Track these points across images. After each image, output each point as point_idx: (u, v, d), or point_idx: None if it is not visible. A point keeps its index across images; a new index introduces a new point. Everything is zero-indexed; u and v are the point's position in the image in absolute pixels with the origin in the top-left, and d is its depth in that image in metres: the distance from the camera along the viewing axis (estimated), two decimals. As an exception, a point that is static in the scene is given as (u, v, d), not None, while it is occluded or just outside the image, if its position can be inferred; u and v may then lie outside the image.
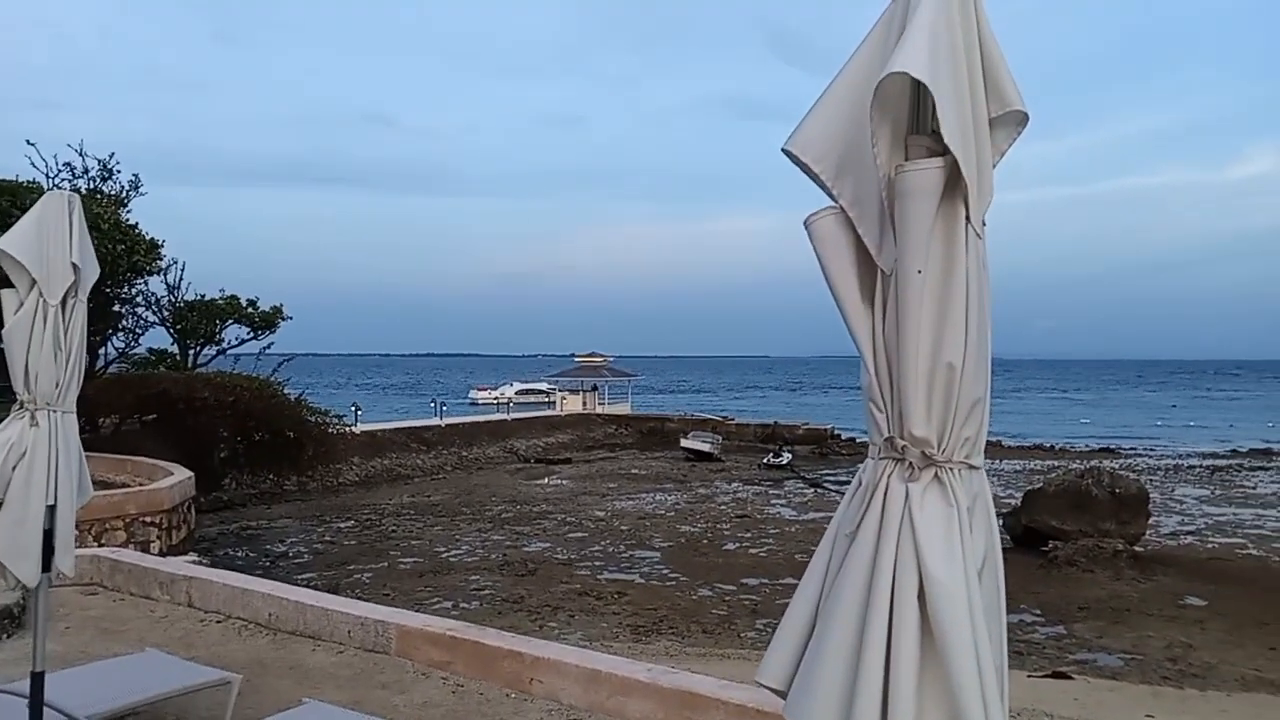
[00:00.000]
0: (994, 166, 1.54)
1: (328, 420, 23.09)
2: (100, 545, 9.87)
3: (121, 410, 19.35)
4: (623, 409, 47.50)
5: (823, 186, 1.61)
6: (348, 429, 26.24)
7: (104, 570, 7.75)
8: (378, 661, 5.82)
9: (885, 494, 1.55)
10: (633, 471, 33.41)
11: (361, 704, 5.01)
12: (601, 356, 50.33)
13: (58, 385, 3.95)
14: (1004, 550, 1.67)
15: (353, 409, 30.10)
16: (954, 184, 1.48)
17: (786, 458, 35.28)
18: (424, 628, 5.80)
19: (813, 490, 29.14)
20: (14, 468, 3.80)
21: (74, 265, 4.01)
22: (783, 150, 1.62)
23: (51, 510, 3.82)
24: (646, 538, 20.95)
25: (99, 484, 15.37)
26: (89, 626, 6.75)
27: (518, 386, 62.20)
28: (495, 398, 58.03)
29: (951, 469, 1.53)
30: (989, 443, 1.75)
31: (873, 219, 1.57)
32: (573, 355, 52.70)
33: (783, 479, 31.72)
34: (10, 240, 3.99)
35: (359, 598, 15.52)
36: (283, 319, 23.59)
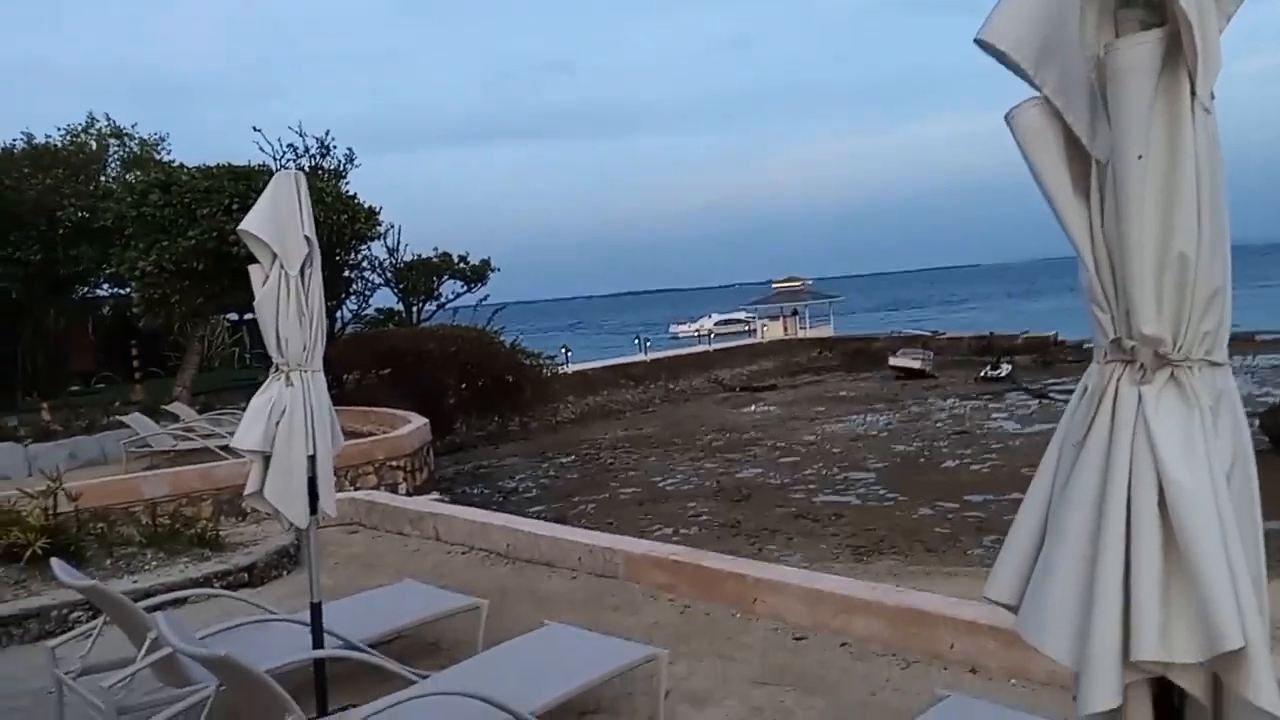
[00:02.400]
0: (1220, 32, 1.38)
1: (541, 363, 24.19)
2: (356, 489, 10.92)
3: (360, 367, 21.11)
4: (825, 332, 46.65)
5: (1023, 75, 1.50)
6: (560, 370, 27.39)
7: (361, 511, 8.58)
8: (608, 586, 6.14)
9: (1115, 399, 1.45)
10: (840, 394, 32.91)
11: (596, 625, 5.33)
12: (800, 281, 49.50)
13: (305, 348, 4.36)
14: (1261, 452, 1.53)
15: (563, 350, 31.33)
16: (1174, 57, 1.34)
17: (1006, 369, 33.50)
18: (648, 553, 6.04)
19: (1037, 401, 27.60)
20: (277, 424, 4.27)
21: (306, 238, 4.39)
22: (975, 41, 1.51)
23: (312, 460, 4.26)
24: (860, 459, 20.68)
25: (349, 434, 16.89)
26: (353, 561, 7.52)
27: (716, 317, 62.39)
28: (695, 330, 58.59)
29: (1190, 367, 1.41)
30: (1238, 337, 1.60)
31: (1081, 105, 1.45)
32: (769, 282, 52.15)
33: (1003, 391, 30.22)
34: (251, 220, 4.41)
35: (585, 526, 16.41)
36: (491, 270, 24.78)
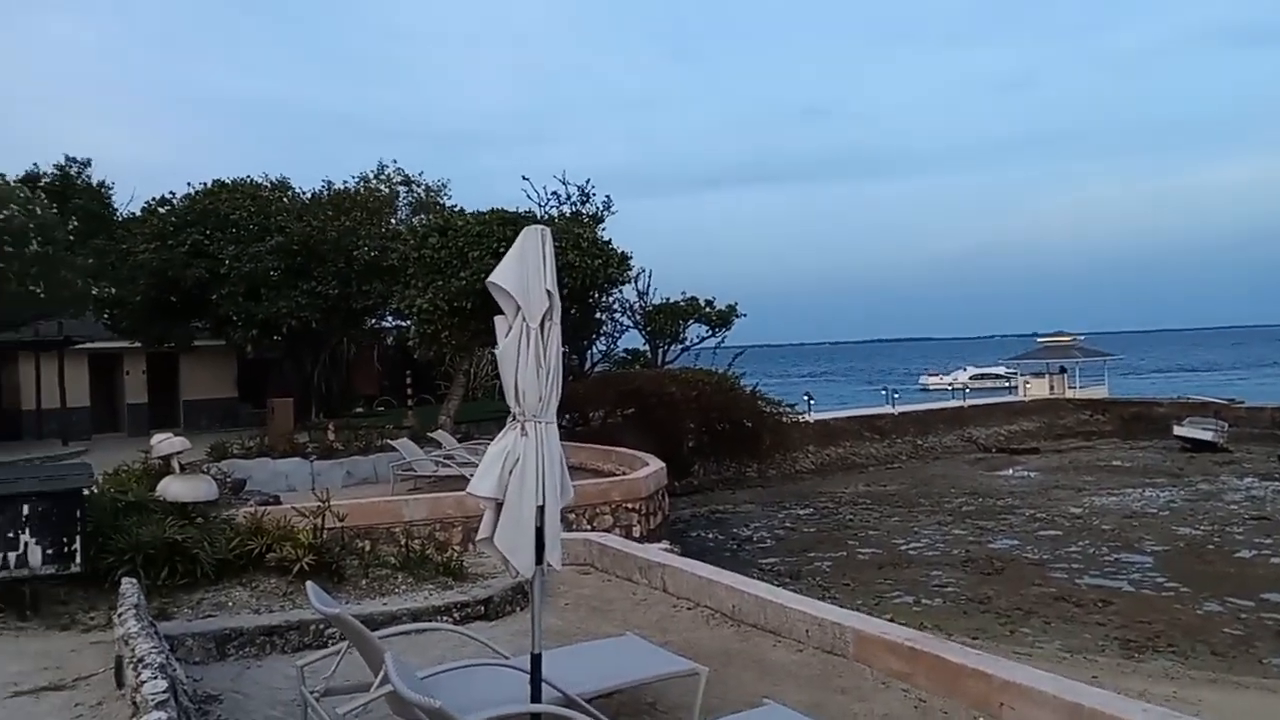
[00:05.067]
0: None
1: (782, 410, 23.88)
2: (592, 528, 11.15)
3: (605, 405, 21.81)
4: (1098, 392, 42.72)
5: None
6: (801, 418, 26.90)
7: (594, 553, 8.70)
8: (835, 664, 5.76)
9: None
10: (1113, 463, 29.92)
11: (821, 708, 4.98)
12: (1069, 336, 45.77)
13: (540, 399, 4.43)
14: None
15: (805, 398, 30.79)
16: None
17: (1320, 446, 29.09)
18: (882, 635, 5.61)
19: (1361, 487, 23.68)
20: (510, 472, 4.35)
21: (548, 292, 4.48)
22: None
23: (540, 510, 4.30)
24: (1134, 539, 18.58)
25: (590, 471, 17.50)
26: (582, 604, 7.59)
27: (972, 371, 59.03)
28: (948, 383, 55.69)
29: None
30: None
31: None
32: (1034, 335, 48.65)
33: (1315, 473, 26.20)
34: (499, 273, 4.56)
35: (820, 585, 15.83)
36: (737, 316, 24.89)
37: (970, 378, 54.35)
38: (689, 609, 7.20)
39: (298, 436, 18.16)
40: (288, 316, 23.30)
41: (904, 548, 18.66)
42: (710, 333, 24.84)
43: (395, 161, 32.77)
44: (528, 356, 4.43)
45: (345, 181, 29.80)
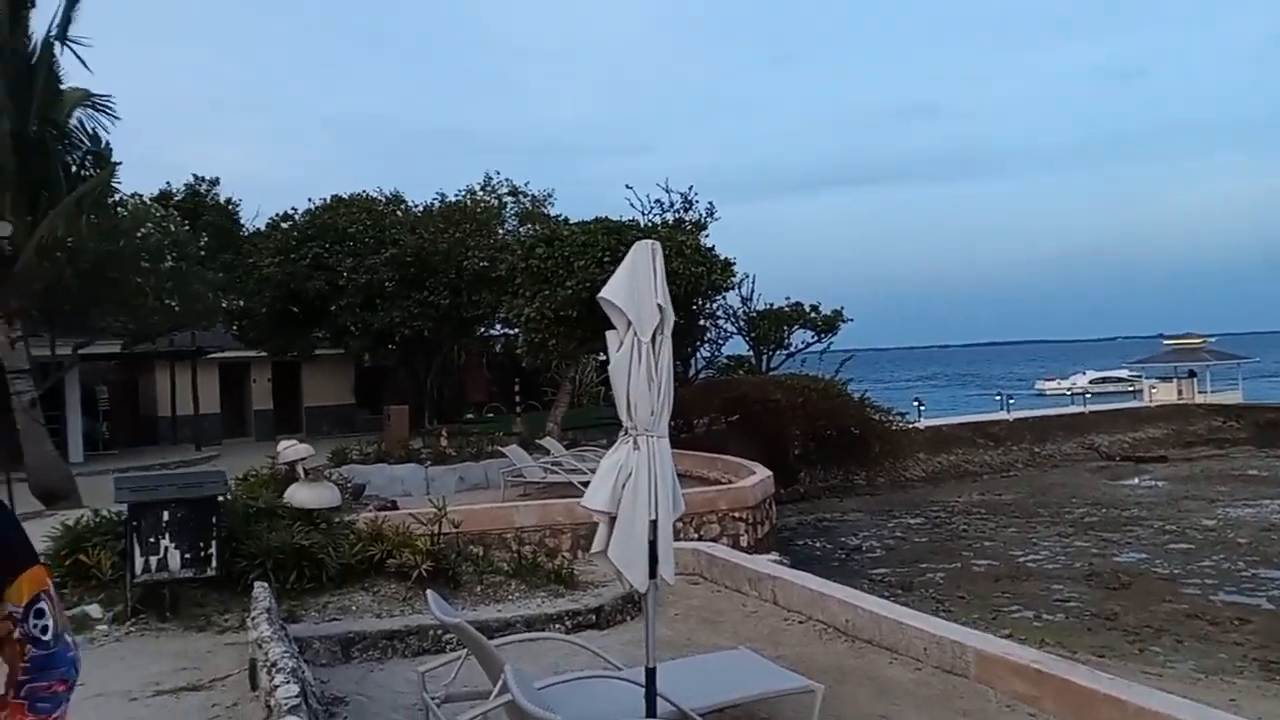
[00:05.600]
0: None
1: (890, 418, 23.36)
2: (699, 537, 11.13)
3: (709, 412, 21.76)
4: (1231, 397, 40.29)
5: None
6: (911, 425, 26.25)
7: (703, 563, 8.68)
8: (956, 685, 5.59)
9: None
10: (1249, 472, 28.16)
11: (940, 730, 4.85)
12: (1199, 337, 43.32)
13: (652, 413, 4.45)
14: None
15: (914, 404, 30.03)
16: None
17: None
18: (1005, 655, 5.42)
19: None
20: (623, 486, 4.38)
21: (659, 306, 4.50)
22: None
23: (653, 524, 4.32)
24: (1274, 554, 17.43)
25: (695, 479, 17.49)
26: (692, 615, 7.59)
27: (1091, 375, 56.49)
28: (1066, 388, 53.45)
29: None
30: None
31: None
32: (1160, 336, 46.25)
33: None
34: (610, 289, 4.60)
35: (933, 597, 15.39)
36: (843, 321, 24.50)
37: (1090, 382, 52.01)
38: (800, 622, 7.10)
39: (412, 442, 18.73)
40: (402, 326, 24.07)
41: (1022, 560, 17.98)
42: (815, 338, 24.54)
43: (500, 173, 33.34)
44: (639, 371, 4.46)
45: (456, 194, 30.65)
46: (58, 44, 13.61)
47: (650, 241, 4.62)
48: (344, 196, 27.63)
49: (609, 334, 4.64)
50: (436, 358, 28.04)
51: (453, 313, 25.02)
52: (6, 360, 13.52)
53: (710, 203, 23.36)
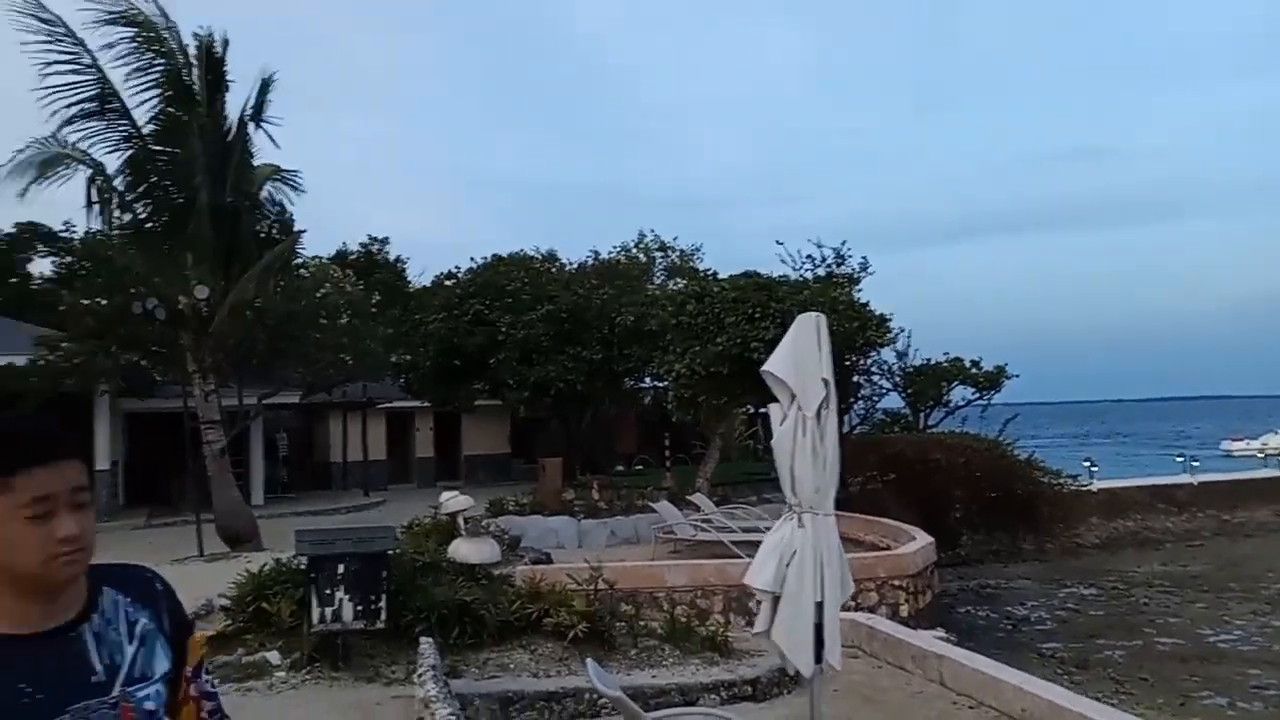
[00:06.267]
0: None
1: (1060, 479, 22.04)
2: (857, 606, 10.75)
3: (865, 470, 21.13)
4: None
5: None
6: (1083, 487, 24.66)
7: (862, 635, 8.37)
8: (1149, 789, 5.13)
9: None
10: None
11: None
12: None
13: (817, 490, 4.36)
14: None
15: (1086, 464, 28.23)
16: None
17: None
18: (1205, 761, 4.93)
19: None
20: (788, 565, 4.29)
21: (824, 380, 4.43)
22: None
23: (819, 606, 4.20)
24: None
25: (852, 543, 16.92)
26: (853, 692, 7.30)
27: (1289, 434, 51.61)
28: (1258, 449, 49.02)
29: None
30: None
31: None
32: (1372, 393, 41.83)
33: None
34: (774, 361, 4.57)
35: (1112, 678, 14.25)
36: (1006, 378, 23.43)
37: (1287, 442, 47.50)
38: (971, 707, 6.71)
39: (565, 494, 19.06)
40: (557, 380, 24.69)
41: (1212, 639, 16.46)
42: (978, 395, 23.52)
43: (653, 231, 33.97)
44: (804, 446, 4.38)
45: (609, 251, 31.43)
46: (251, 124, 14.89)
47: (814, 314, 4.57)
48: (503, 255, 28.77)
49: (771, 407, 4.60)
50: (588, 410, 28.56)
51: (604, 367, 25.49)
52: (201, 411, 14.65)
53: (864, 257, 22.97)
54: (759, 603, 4.52)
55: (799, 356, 4.45)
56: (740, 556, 12.41)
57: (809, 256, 23.07)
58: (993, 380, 23.31)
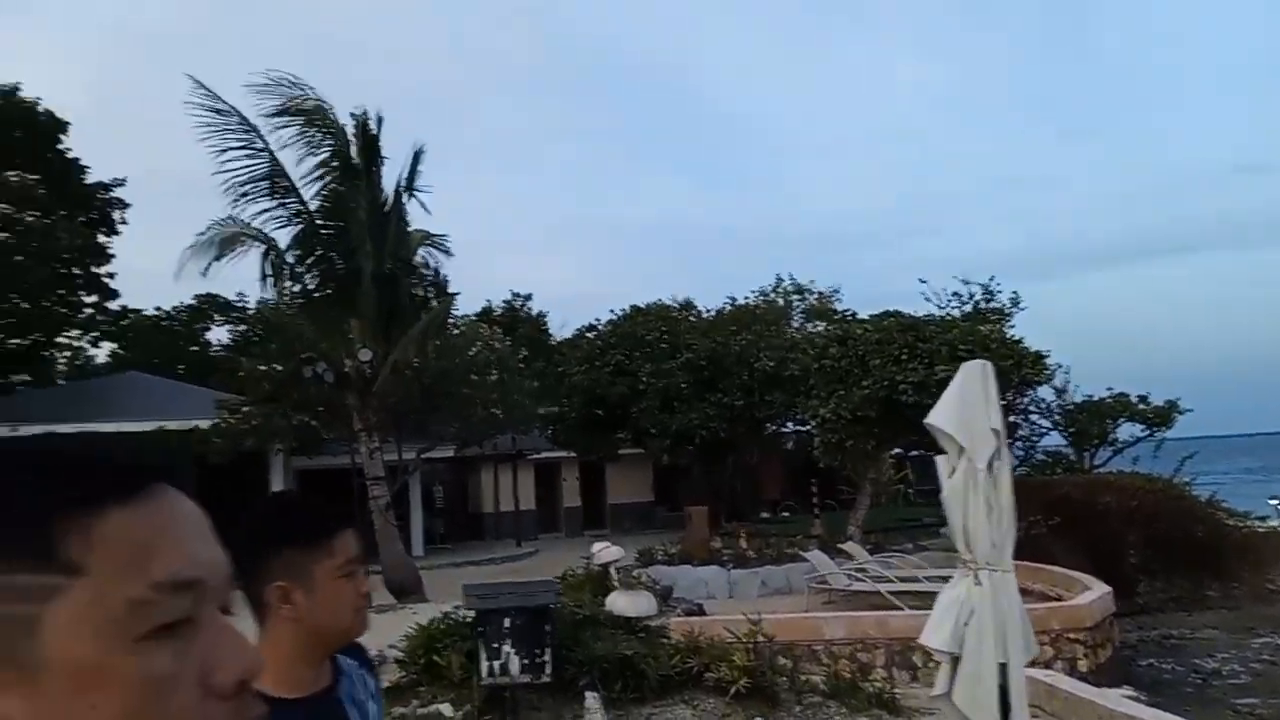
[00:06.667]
0: None
1: (1246, 521, 20.38)
2: (1030, 662, 10.19)
3: (1028, 515, 20.01)
4: None
5: None
6: (1273, 527, 22.69)
7: (1040, 694, 7.92)
8: None
9: None
10: None
11: None
12: None
13: (994, 545, 4.21)
14: None
15: (1273, 503, 25.96)
16: None
17: None
18: None
19: None
20: (965, 624, 4.15)
21: (994, 431, 4.30)
22: None
23: (1002, 668, 4.03)
24: None
25: (1020, 592, 16.10)
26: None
27: None
28: None
29: None
30: None
31: None
32: None
33: None
34: (939, 413, 4.47)
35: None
36: (1179, 413, 21.94)
37: None
38: (1167, 772, 6.25)
39: (712, 542, 18.96)
40: (699, 428, 24.75)
41: None
42: (1148, 433, 22.09)
43: (790, 274, 33.79)
44: (976, 501, 4.25)
45: (746, 296, 31.47)
46: (405, 193, 15.81)
47: (980, 362, 4.46)
48: (641, 306, 29.25)
49: (939, 459, 4.49)
50: (730, 457, 28.44)
51: (746, 413, 25.38)
52: (367, 468, 15.43)
53: (1014, 292, 22.13)
54: (935, 662, 4.37)
55: (966, 407, 4.34)
56: (900, 608, 12.04)
57: (955, 294, 22.42)
58: (1163, 416, 21.87)
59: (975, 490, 4.21)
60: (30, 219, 23.37)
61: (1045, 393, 22.67)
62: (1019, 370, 18.38)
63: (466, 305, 40.30)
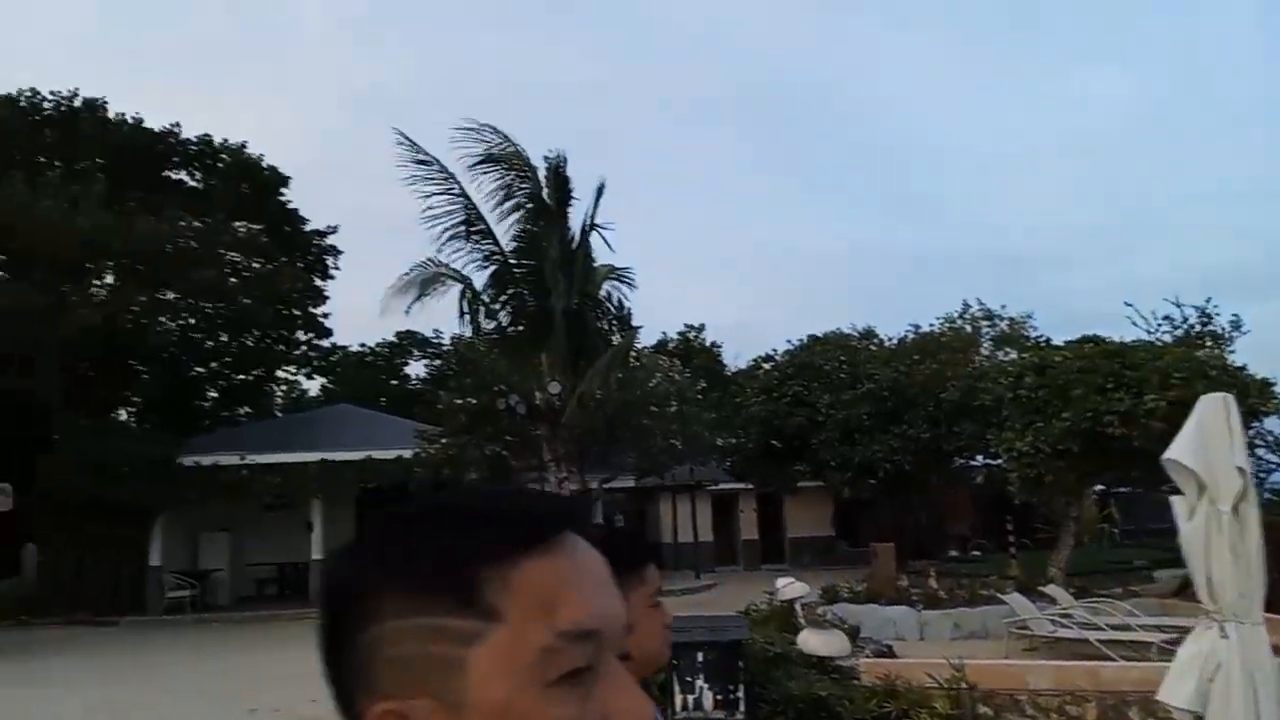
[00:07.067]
0: None
1: None
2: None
3: (1278, 560, 18.30)
4: None
5: None
6: None
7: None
8: None
9: None
10: None
11: None
12: None
13: (1241, 595, 3.86)
14: None
15: None
16: None
17: None
18: None
19: None
20: (1210, 681, 3.82)
21: (1239, 469, 3.96)
22: None
23: (1256, 730, 3.68)
24: None
25: None
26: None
27: None
28: None
29: None
30: None
31: None
32: None
33: None
34: (1177, 448, 4.16)
35: None
36: None
37: None
38: None
39: (899, 581, 18.28)
40: (882, 460, 24.05)
41: None
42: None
43: (979, 299, 32.40)
44: (1221, 546, 3.92)
45: (930, 323, 30.45)
46: (591, 231, 16.35)
47: (1222, 395, 4.14)
48: (819, 335, 28.83)
49: (1175, 500, 4.18)
50: (915, 490, 27.43)
51: (932, 445, 24.44)
52: (556, 499, 15.93)
53: (1235, 314, 20.29)
54: (1156, 719, 4.04)
55: (1205, 443, 4.03)
56: (1112, 658, 11.19)
57: (1166, 317, 20.82)
58: None
59: (1219, 534, 3.90)
60: (256, 265, 25.79)
61: (1273, 424, 20.57)
62: (1244, 400, 16.74)
63: (642, 336, 41.11)
